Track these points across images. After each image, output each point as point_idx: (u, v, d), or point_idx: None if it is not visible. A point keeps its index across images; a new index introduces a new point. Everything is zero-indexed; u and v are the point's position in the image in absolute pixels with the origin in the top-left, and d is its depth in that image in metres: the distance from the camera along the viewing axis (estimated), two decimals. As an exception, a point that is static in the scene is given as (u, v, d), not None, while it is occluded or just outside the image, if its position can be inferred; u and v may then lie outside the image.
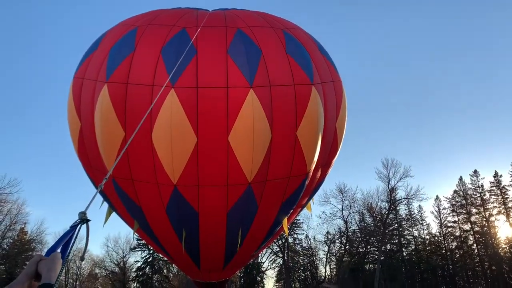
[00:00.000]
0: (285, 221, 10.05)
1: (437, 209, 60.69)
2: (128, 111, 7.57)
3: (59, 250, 1.69)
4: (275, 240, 49.45)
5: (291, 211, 10.28)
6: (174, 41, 8.02)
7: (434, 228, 63.77)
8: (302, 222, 54.74)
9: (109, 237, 63.75)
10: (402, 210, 55.89)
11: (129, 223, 9.87)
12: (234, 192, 7.63)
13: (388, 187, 43.24)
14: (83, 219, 1.81)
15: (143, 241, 62.10)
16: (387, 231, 49.61)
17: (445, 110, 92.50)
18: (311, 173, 9.60)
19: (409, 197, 44.23)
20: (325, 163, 10.45)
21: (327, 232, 56.51)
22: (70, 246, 1.75)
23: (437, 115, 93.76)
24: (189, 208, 7.75)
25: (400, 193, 49.57)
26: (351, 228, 49.30)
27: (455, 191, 59.10)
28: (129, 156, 7.65)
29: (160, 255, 61.64)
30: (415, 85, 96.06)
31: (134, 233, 10.01)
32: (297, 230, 55.51)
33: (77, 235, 1.81)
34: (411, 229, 63.08)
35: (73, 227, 1.77)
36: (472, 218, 56.12)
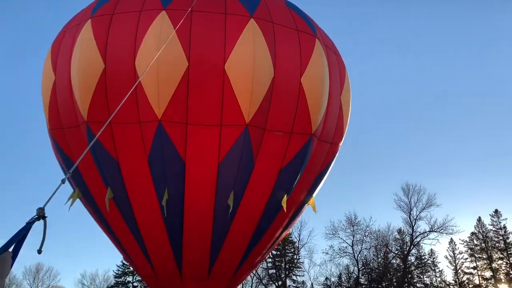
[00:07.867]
0: (284, 199, 9.48)
1: (451, 253, 58.89)
2: (110, 41, 7.26)
3: (11, 249, 1.74)
4: (272, 282, 47.48)
5: (291, 192, 9.73)
6: None
7: (449, 276, 61.30)
8: (302, 262, 52.50)
9: (85, 274, 61.61)
10: (411, 254, 53.18)
11: (100, 195, 9.21)
12: (229, 135, 7.13)
13: (410, 218, 39.03)
14: (40, 215, 1.89)
15: (122, 279, 59.99)
16: (395, 276, 47.09)
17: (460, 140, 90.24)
18: (315, 141, 9.15)
19: (434, 230, 38.94)
20: (331, 140, 10.04)
21: (326, 278, 54.08)
22: (22, 244, 1.82)
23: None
24: (174, 154, 7.21)
25: (422, 227, 41.55)
26: (361, 268, 46.23)
27: (472, 233, 57.50)
28: (107, 92, 7.22)
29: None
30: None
31: (107, 207, 9.19)
32: (296, 271, 53.38)
33: (27, 233, 1.88)
34: (421, 276, 61.01)
35: (29, 223, 1.83)
36: (494, 265, 54.23)
